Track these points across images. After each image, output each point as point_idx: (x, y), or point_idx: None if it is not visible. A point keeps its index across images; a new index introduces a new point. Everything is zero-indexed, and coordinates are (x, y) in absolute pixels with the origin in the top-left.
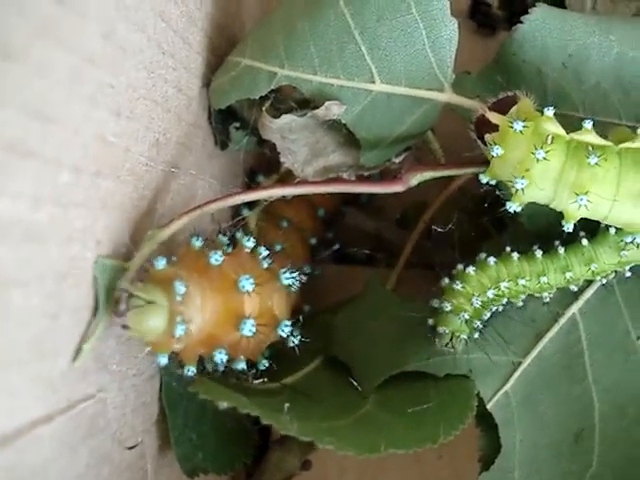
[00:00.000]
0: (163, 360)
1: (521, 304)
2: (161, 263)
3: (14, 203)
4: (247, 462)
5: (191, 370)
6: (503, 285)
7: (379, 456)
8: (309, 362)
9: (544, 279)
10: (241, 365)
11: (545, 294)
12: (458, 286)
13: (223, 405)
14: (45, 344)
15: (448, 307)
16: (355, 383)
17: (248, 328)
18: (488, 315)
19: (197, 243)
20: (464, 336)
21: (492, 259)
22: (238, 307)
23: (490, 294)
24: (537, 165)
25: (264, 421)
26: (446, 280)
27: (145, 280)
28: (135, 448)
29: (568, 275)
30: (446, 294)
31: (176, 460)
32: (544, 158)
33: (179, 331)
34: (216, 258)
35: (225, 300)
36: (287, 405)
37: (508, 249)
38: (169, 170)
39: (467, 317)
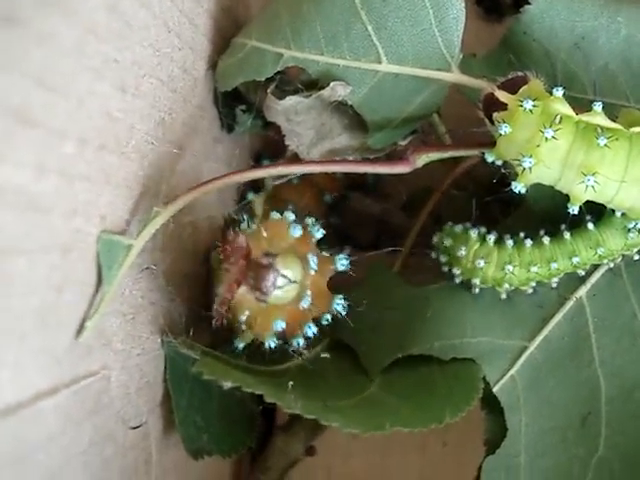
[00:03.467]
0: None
1: (531, 291)
2: (297, 232)
3: (17, 171)
4: (251, 445)
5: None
6: (509, 268)
7: (384, 435)
8: (314, 345)
9: (554, 265)
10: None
11: (554, 280)
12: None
13: (227, 385)
14: (49, 316)
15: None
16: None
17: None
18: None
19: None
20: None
21: (510, 242)
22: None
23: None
24: (545, 144)
25: (268, 399)
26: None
27: (283, 252)
28: (139, 428)
29: (575, 260)
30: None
31: (181, 441)
32: (553, 137)
33: (304, 303)
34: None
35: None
36: (291, 383)
37: (522, 235)
38: (174, 150)
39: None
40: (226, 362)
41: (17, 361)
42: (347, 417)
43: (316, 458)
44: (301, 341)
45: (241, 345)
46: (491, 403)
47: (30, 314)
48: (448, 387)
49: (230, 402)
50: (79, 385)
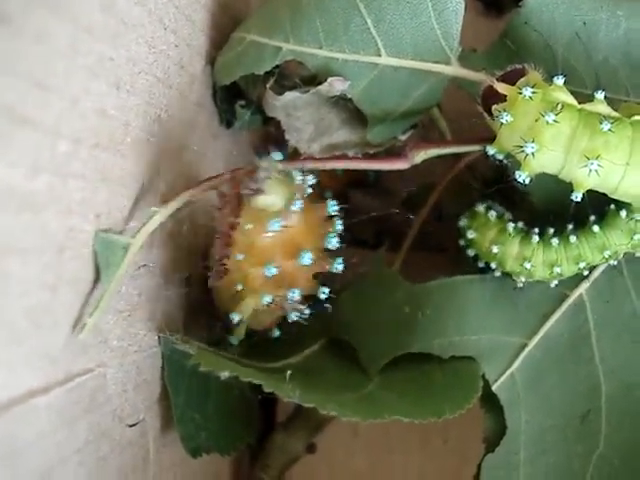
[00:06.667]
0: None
1: (520, 285)
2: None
3: (10, 170)
4: (251, 442)
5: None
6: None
7: (386, 432)
8: (312, 344)
9: (557, 269)
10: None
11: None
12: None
13: (224, 375)
14: (44, 315)
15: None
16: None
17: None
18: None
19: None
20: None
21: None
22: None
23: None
24: (548, 128)
25: (266, 389)
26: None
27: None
28: (136, 426)
29: (582, 265)
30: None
31: (179, 439)
32: (554, 121)
33: (295, 207)
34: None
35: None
36: (289, 372)
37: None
38: (172, 147)
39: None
40: (223, 357)
41: (10, 359)
42: (346, 407)
43: (318, 455)
44: (296, 294)
45: (235, 341)
46: (491, 401)
47: (24, 313)
48: (448, 384)
49: (229, 398)
50: (74, 383)
